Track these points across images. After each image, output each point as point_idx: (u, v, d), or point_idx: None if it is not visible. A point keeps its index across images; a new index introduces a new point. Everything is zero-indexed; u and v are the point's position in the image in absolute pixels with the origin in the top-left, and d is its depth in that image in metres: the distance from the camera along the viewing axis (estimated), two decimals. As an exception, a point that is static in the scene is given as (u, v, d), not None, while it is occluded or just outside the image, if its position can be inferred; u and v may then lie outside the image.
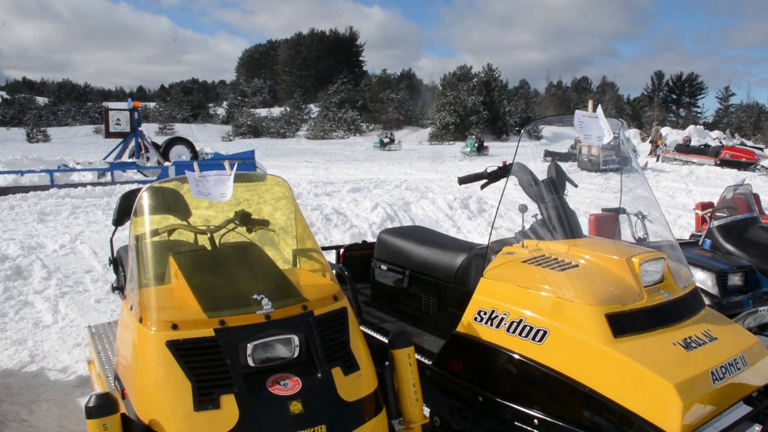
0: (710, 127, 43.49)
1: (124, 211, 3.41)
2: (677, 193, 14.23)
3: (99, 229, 8.46)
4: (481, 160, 28.06)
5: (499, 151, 33.44)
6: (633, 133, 31.56)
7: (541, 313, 2.65)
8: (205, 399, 2.08)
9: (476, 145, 34.00)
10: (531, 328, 2.65)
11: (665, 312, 2.64)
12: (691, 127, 30.83)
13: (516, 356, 2.67)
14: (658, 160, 24.24)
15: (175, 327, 2.22)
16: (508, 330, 2.73)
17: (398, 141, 40.94)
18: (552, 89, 74.45)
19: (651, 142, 26.54)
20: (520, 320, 2.70)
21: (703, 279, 4.46)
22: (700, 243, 5.62)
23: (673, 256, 3.01)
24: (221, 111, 67.94)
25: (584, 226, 4.05)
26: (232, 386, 2.12)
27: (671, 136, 27.39)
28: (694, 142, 25.37)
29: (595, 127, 3.13)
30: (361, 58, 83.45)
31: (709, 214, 5.95)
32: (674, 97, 72.28)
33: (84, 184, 13.96)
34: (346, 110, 56.19)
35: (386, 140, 39.28)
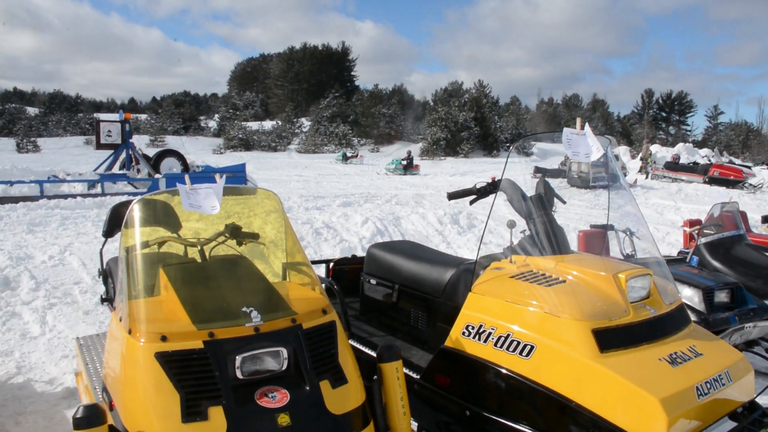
0: (699, 145, 43.92)
1: (115, 222, 3.42)
2: (666, 210, 14.34)
3: (88, 241, 8.42)
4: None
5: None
6: (623, 151, 31.78)
7: (529, 328, 2.68)
8: (193, 411, 2.09)
9: (403, 162, 29.30)
10: (518, 343, 2.67)
11: (651, 328, 2.68)
12: (681, 144, 31.10)
13: (503, 371, 2.68)
14: (647, 178, 24.43)
15: (164, 339, 2.22)
16: (495, 345, 2.75)
17: (360, 155, 40.15)
18: (543, 106, 74.96)
19: (641, 159, 26.76)
20: (508, 335, 2.72)
21: (689, 295, 4.50)
22: (687, 260, 5.68)
23: (660, 273, 3.04)
24: (213, 124, 67.88)
25: (573, 242, 4.09)
26: (220, 398, 2.13)
27: (660, 153, 27.62)
28: (683, 160, 25.59)
29: (583, 144, 3.17)
30: (353, 73, 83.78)
31: (696, 231, 6.02)
32: (664, 115, 73.03)
33: (74, 196, 13.90)
34: (337, 124, 56.25)
35: (349, 154, 39.50)
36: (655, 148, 28.81)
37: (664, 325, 2.73)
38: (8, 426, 3.58)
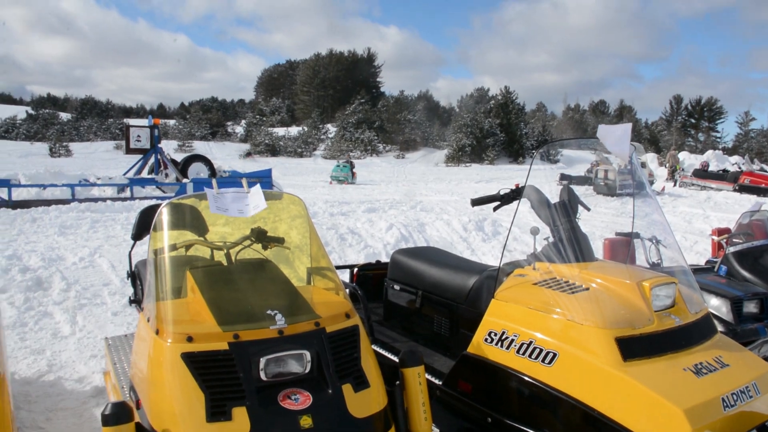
0: (729, 152, 43.21)
1: (144, 226, 3.49)
2: (694, 218, 14.12)
3: (117, 243, 8.58)
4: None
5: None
6: (650, 158, 31.41)
7: (551, 335, 2.67)
8: (217, 411, 2.12)
9: (353, 170, 26.42)
10: (541, 350, 2.66)
11: (676, 337, 2.65)
12: (710, 151, 30.66)
13: (525, 378, 2.68)
14: (675, 185, 24.10)
15: (190, 339, 2.27)
16: (518, 351, 2.75)
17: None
18: (569, 112, 74.40)
19: (669, 166, 26.41)
20: (530, 342, 2.71)
21: (717, 305, 4.44)
22: (715, 269, 5.59)
23: (686, 282, 3.01)
24: (239, 129, 68.61)
25: (599, 249, 4.06)
26: (244, 399, 2.16)
27: (689, 160, 27.22)
28: (712, 167, 25.20)
29: (612, 146, 3.17)
30: (378, 79, 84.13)
31: (725, 240, 5.92)
32: (693, 121, 71.88)
33: (104, 199, 14.17)
34: (363, 130, 56.49)
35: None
36: (683, 156, 28.43)
37: (689, 335, 2.70)
38: (39, 422, 3.67)
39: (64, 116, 70.36)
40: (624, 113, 73.90)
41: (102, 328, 5.31)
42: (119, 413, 2.10)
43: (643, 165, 22.96)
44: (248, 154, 50.11)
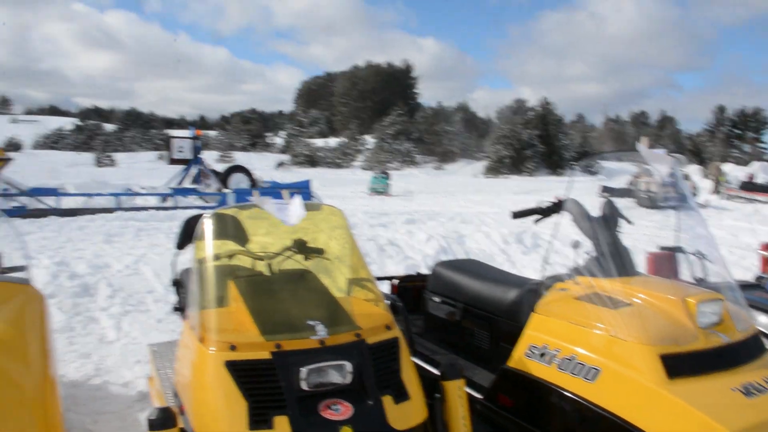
0: (777, 164, 41.87)
1: (187, 235, 3.57)
2: (741, 232, 13.73)
3: (161, 252, 8.74)
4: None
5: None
6: (693, 170, 30.72)
7: (594, 351, 2.63)
8: (259, 419, 2.15)
9: (389, 182, 25.40)
10: (583, 366, 2.63)
11: (723, 355, 2.58)
12: (756, 163, 29.81)
13: (567, 394, 2.65)
14: (720, 198, 23.50)
15: (233, 348, 2.31)
16: (559, 367, 2.72)
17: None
18: (609, 123, 73.28)
19: (713, 178, 25.79)
20: (572, 357, 2.68)
21: (766, 323, 4.31)
22: (764, 285, 5.43)
23: (732, 298, 2.94)
24: (279, 140, 69.49)
25: (642, 263, 3.99)
26: (285, 408, 2.18)
27: (734, 172, 26.54)
28: (759, 179, 24.50)
29: (652, 162, 3.13)
30: (416, 90, 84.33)
31: (774, 256, 5.75)
32: (738, 132, 69.97)
33: (147, 208, 14.49)
34: (401, 142, 56.65)
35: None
36: (728, 168, 27.73)
37: (737, 353, 2.63)
38: (87, 424, 3.77)
39: (109, 127, 72.38)
40: (665, 124, 72.46)
41: (146, 335, 5.42)
42: (164, 418, 2.16)
43: (686, 177, 22.50)
44: (280, 164, 50.78)
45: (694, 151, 57.03)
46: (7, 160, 16.81)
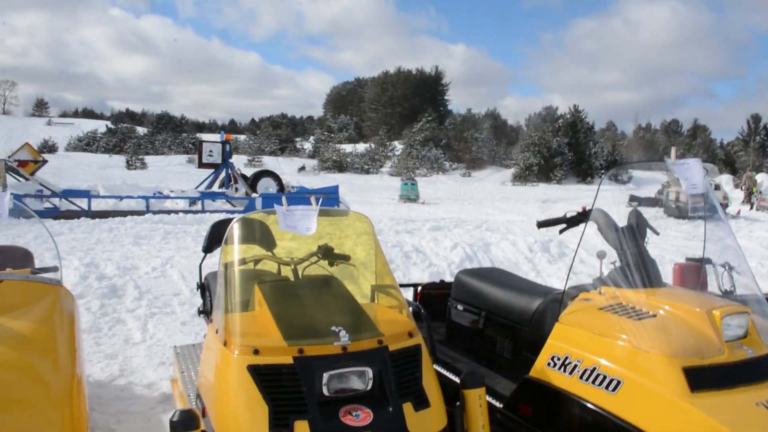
0: (813, 175, 40.84)
1: (215, 239, 3.62)
2: (774, 244, 13.44)
3: (188, 255, 8.87)
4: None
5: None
6: (725, 180, 30.16)
7: (616, 362, 2.61)
8: (280, 423, 2.17)
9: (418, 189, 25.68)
10: (605, 377, 2.61)
11: (748, 369, 2.54)
12: (792, 174, 29.13)
13: (588, 405, 2.63)
14: (752, 209, 23.03)
15: (256, 352, 2.33)
16: (581, 377, 2.70)
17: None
18: (640, 132, 72.33)
19: (745, 188, 25.29)
20: (594, 368, 2.66)
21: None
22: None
23: (760, 311, 2.89)
24: (308, 145, 69.89)
25: (668, 275, 3.94)
26: (306, 413, 2.20)
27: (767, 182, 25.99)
28: (794, 191, 23.95)
29: (682, 173, 3.10)
30: (445, 97, 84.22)
31: (806, 269, 5.63)
32: (773, 142, 68.46)
33: (176, 211, 14.69)
34: (429, 148, 56.59)
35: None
36: (761, 177, 27.15)
37: (763, 368, 2.58)
38: (111, 423, 3.84)
39: (141, 130, 73.52)
40: (698, 133, 71.31)
41: (171, 337, 5.50)
42: (187, 420, 2.19)
43: (717, 187, 22.08)
44: (302, 168, 51.05)
45: (727, 160, 55.96)
46: (42, 162, 17.23)
